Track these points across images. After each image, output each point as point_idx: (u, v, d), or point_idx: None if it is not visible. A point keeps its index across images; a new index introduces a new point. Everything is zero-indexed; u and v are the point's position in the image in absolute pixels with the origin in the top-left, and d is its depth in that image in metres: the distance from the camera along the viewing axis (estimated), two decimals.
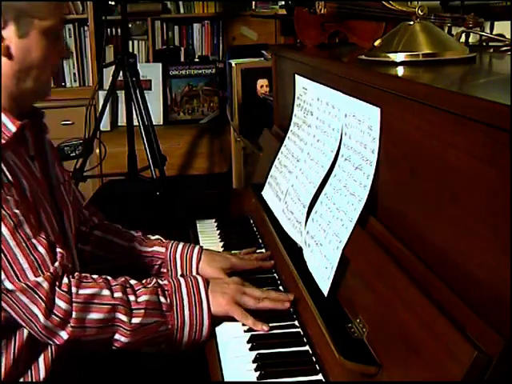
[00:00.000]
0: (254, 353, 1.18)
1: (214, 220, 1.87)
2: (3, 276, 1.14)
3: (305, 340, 1.22)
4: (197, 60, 4.44)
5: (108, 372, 1.47)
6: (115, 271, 1.53)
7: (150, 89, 4.21)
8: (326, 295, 1.16)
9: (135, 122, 3.28)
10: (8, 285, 1.15)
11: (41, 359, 1.27)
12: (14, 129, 1.22)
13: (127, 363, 1.53)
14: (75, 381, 1.38)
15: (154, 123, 3.36)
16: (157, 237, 1.57)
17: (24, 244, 1.17)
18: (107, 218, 1.66)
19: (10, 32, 1.21)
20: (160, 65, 4.27)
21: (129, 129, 3.38)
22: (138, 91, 3.22)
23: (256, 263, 1.54)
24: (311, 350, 1.18)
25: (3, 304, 1.17)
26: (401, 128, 1.08)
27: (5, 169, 1.18)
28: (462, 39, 1.58)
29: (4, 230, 1.15)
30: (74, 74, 4.24)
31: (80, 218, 1.56)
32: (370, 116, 1.16)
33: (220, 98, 4.32)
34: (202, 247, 1.55)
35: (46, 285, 1.16)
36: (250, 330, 1.26)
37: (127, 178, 3.44)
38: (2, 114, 1.22)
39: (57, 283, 1.18)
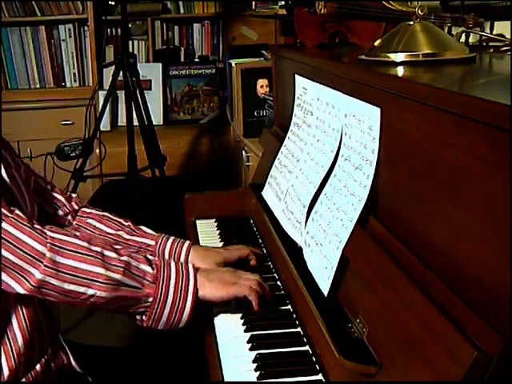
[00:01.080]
0: (254, 353, 1.18)
1: (213, 220, 1.87)
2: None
3: (305, 340, 1.22)
4: (197, 60, 4.44)
5: (108, 372, 1.47)
6: None
7: (150, 89, 4.21)
8: (326, 295, 1.16)
9: (135, 122, 3.28)
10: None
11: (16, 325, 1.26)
12: None
13: (127, 363, 1.53)
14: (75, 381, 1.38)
15: (154, 123, 3.36)
16: (148, 230, 1.57)
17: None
18: None
19: None
20: (160, 65, 4.27)
21: (129, 129, 3.38)
22: (137, 91, 3.22)
23: (246, 250, 1.55)
24: (311, 349, 1.18)
25: None
26: (401, 128, 1.08)
27: None
28: (462, 39, 1.58)
29: None
30: (74, 74, 4.24)
31: (46, 208, 1.54)
32: (370, 116, 1.16)
33: (220, 98, 4.32)
34: (191, 243, 1.55)
35: (10, 228, 1.15)
36: (249, 329, 1.26)
37: (127, 178, 3.44)
38: None
39: (22, 223, 1.17)
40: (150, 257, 1.29)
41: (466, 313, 0.82)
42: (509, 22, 1.58)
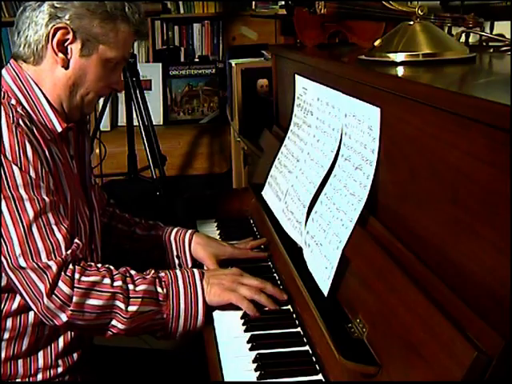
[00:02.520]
0: (254, 353, 1.18)
1: (214, 220, 1.87)
2: (18, 252, 1.21)
3: (305, 340, 1.22)
4: (197, 60, 4.45)
5: (108, 372, 1.47)
6: (119, 255, 1.65)
7: (150, 89, 4.21)
8: (326, 295, 1.16)
9: (135, 122, 3.29)
10: (22, 262, 1.21)
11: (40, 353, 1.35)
12: (59, 129, 1.33)
13: (127, 363, 1.53)
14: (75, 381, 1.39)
15: (154, 123, 3.36)
16: (156, 222, 1.66)
17: (44, 228, 1.23)
18: None
19: (75, 48, 1.31)
20: (160, 65, 4.28)
21: (129, 129, 3.38)
22: (138, 91, 3.22)
23: (250, 253, 1.59)
24: (311, 350, 1.18)
25: (14, 279, 1.23)
26: (401, 128, 1.08)
27: (49, 158, 1.28)
28: (462, 39, 1.58)
29: (30, 212, 1.22)
30: None
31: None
32: (370, 116, 1.16)
33: (220, 98, 4.32)
34: (195, 230, 1.63)
35: (54, 268, 1.21)
36: (249, 329, 1.26)
37: (127, 178, 3.44)
38: (52, 114, 1.32)
39: (64, 269, 1.23)
40: (159, 273, 1.32)
41: (466, 313, 0.82)
42: (509, 22, 1.58)
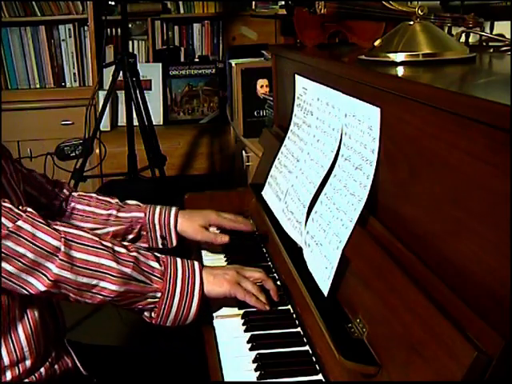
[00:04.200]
0: (254, 353, 1.18)
1: None
2: None
3: (305, 340, 1.22)
4: (197, 60, 4.44)
5: (108, 372, 1.47)
6: None
7: (150, 89, 4.21)
8: (326, 295, 1.16)
9: (135, 122, 3.28)
10: None
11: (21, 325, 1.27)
12: None
13: (127, 363, 1.53)
14: (75, 380, 1.38)
15: (154, 123, 3.36)
16: (134, 202, 1.66)
17: None
18: None
19: None
20: (160, 65, 4.27)
21: (129, 129, 3.38)
22: (138, 91, 3.22)
23: (234, 224, 1.65)
24: (311, 349, 1.18)
25: None
26: (401, 128, 1.08)
27: None
28: (462, 39, 1.58)
29: None
30: (74, 73, 4.24)
31: (40, 199, 1.59)
32: (370, 116, 1.16)
33: (220, 98, 4.32)
34: (178, 209, 1.64)
35: (26, 226, 1.18)
36: (249, 329, 1.26)
37: (127, 178, 3.44)
38: None
39: (37, 220, 1.19)
40: (157, 254, 1.31)
41: (466, 313, 0.82)
42: (509, 21, 1.58)
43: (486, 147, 0.81)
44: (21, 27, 4.15)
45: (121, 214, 1.62)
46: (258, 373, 1.12)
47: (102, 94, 3.76)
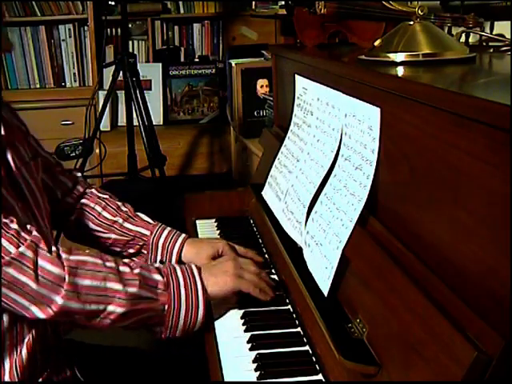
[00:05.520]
0: (254, 353, 1.18)
1: (213, 220, 1.87)
2: None
3: (305, 340, 1.22)
4: (197, 60, 4.44)
5: (108, 372, 1.47)
6: (97, 245, 1.57)
7: (150, 89, 4.21)
8: (326, 295, 1.16)
9: (135, 122, 3.28)
10: None
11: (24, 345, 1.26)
12: None
13: (127, 363, 1.53)
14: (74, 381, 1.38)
15: (154, 123, 3.35)
16: (146, 218, 1.58)
17: (3, 224, 1.16)
18: None
19: None
20: (160, 65, 4.27)
21: (129, 129, 3.38)
22: (138, 91, 3.22)
23: (244, 250, 1.53)
24: (311, 350, 1.18)
25: None
26: (401, 128, 1.08)
27: None
28: (462, 39, 1.58)
29: None
30: (74, 73, 4.24)
31: (57, 193, 1.55)
32: (370, 116, 1.16)
33: (220, 98, 4.32)
34: (187, 237, 1.55)
35: (29, 253, 1.15)
36: (249, 329, 1.26)
37: (127, 178, 3.44)
38: None
39: (41, 248, 1.17)
40: (157, 265, 1.30)
41: (466, 313, 0.82)
42: (509, 21, 1.58)
43: (485, 147, 0.81)
44: (21, 27, 4.15)
45: (126, 225, 1.56)
46: (258, 373, 1.12)
47: (102, 94, 3.76)
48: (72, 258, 1.19)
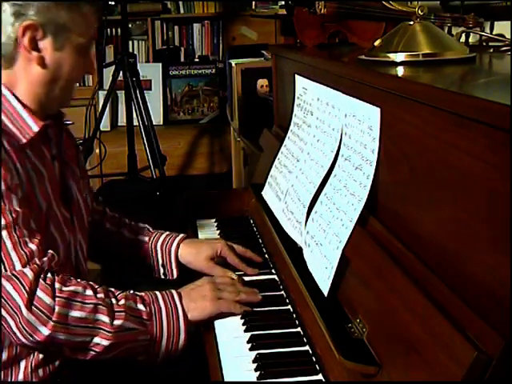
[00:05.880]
0: (254, 353, 1.18)
1: (214, 220, 1.87)
2: None
3: (305, 340, 1.22)
4: (197, 60, 4.45)
5: (107, 372, 1.47)
6: (105, 257, 1.63)
7: (150, 89, 4.21)
8: (326, 295, 1.16)
9: (135, 122, 3.28)
10: None
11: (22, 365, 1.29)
12: (36, 128, 1.27)
13: (124, 362, 1.53)
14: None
15: (154, 123, 3.36)
16: (145, 226, 1.62)
17: (17, 238, 1.18)
18: None
19: (47, 44, 1.26)
20: (160, 65, 4.27)
21: (129, 129, 3.38)
22: (138, 91, 3.22)
23: (243, 249, 1.55)
24: (311, 350, 1.18)
25: None
26: (401, 128, 1.08)
27: (20, 170, 1.23)
28: (462, 39, 1.58)
29: (2, 223, 1.17)
30: None
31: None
32: (370, 116, 1.16)
33: (220, 98, 4.32)
34: (184, 237, 1.57)
35: (30, 275, 1.16)
36: (249, 329, 1.26)
37: (127, 178, 3.44)
38: (26, 114, 1.27)
39: (42, 276, 1.18)
40: (138, 293, 1.30)
41: (466, 313, 0.82)
42: (509, 21, 1.58)
43: (485, 147, 0.81)
44: None
45: (128, 235, 1.61)
46: (258, 373, 1.12)
47: (102, 94, 3.76)
48: (64, 288, 1.19)
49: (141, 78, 3.32)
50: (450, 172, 0.91)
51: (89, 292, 1.22)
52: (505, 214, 0.77)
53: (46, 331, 1.16)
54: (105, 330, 1.20)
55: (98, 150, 3.55)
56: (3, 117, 1.26)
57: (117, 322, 1.21)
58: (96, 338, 1.20)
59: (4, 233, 1.17)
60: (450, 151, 0.91)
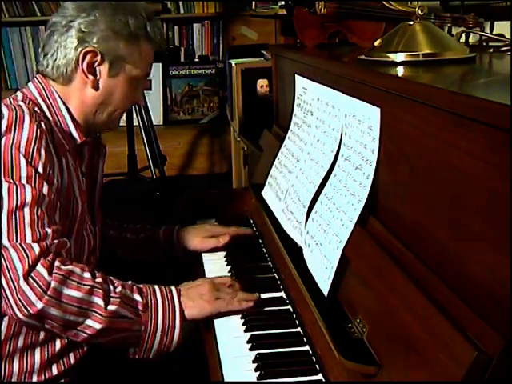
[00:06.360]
0: (254, 353, 1.18)
1: (214, 220, 1.87)
2: (5, 231, 1.19)
3: (305, 340, 1.22)
4: (197, 60, 4.44)
5: (107, 372, 1.47)
6: (111, 263, 1.66)
7: (150, 89, 4.21)
8: (326, 295, 1.16)
9: (135, 122, 3.28)
10: (5, 241, 1.19)
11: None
12: (78, 140, 1.40)
13: (127, 362, 1.53)
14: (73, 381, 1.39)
15: (154, 123, 3.36)
16: (143, 225, 1.72)
17: (36, 218, 1.22)
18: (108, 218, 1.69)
19: (103, 69, 1.39)
20: (160, 65, 4.27)
21: (129, 129, 3.38)
22: None
23: (236, 229, 1.69)
24: (311, 350, 1.18)
25: None
26: (401, 128, 1.08)
27: (64, 166, 1.34)
28: (462, 39, 1.58)
29: (28, 197, 1.22)
30: None
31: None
32: (370, 116, 1.16)
33: (220, 98, 4.32)
34: (179, 226, 1.70)
35: (37, 250, 1.19)
36: (249, 329, 1.26)
37: (127, 178, 3.44)
38: (73, 127, 1.39)
39: (45, 255, 1.21)
40: (137, 285, 1.31)
41: (466, 313, 0.82)
42: (509, 21, 1.58)
43: (485, 147, 0.81)
44: (21, 27, 4.14)
45: (131, 236, 1.68)
46: (258, 373, 1.12)
47: None
48: (63, 267, 1.21)
49: None
50: (449, 172, 0.91)
51: (87, 275, 1.24)
52: (505, 214, 0.77)
53: (39, 304, 1.17)
54: (98, 314, 1.21)
55: None
56: (51, 119, 1.37)
57: (111, 307, 1.22)
58: (89, 320, 1.21)
59: (27, 209, 1.21)
60: (450, 151, 0.91)
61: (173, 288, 1.33)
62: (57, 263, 1.21)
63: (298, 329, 1.26)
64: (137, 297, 1.27)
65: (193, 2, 4.36)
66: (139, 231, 1.70)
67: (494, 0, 1.70)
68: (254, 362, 1.15)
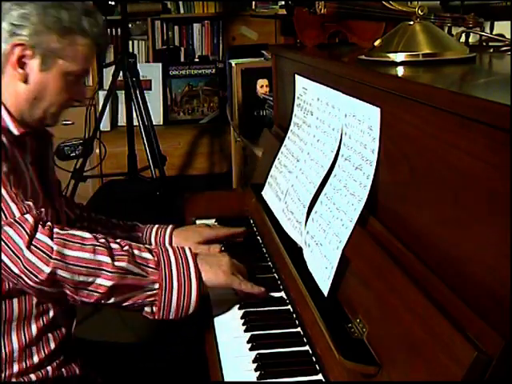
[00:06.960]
0: (254, 353, 1.18)
1: (214, 220, 1.87)
2: None
3: (305, 340, 1.22)
4: (197, 60, 4.45)
5: (107, 372, 1.47)
6: None
7: (150, 89, 4.21)
8: (326, 295, 1.16)
9: (135, 122, 3.28)
10: None
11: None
12: (16, 132, 1.33)
13: (127, 362, 1.53)
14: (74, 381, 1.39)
15: (154, 123, 3.36)
16: (135, 223, 1.69)
17: (14, 195, 1.23)
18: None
19: (34, 64, 1.33)
20: (160, 65, 4.28)
21: (129, 129, 3.38)
22: (137, 91, 3.22)
23: (227, 230, 1.67)
24: (311, 350, 1.18)
25: None
26: (401, 128, 1.08)
27: (9, 154, 1.29)
28: (462, 39, 1.58)
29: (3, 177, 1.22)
30: None
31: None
32: (370, 116, 1.16)
33: (220, 98, 4.32)
34: (174, 227, 1.65)
35: (31, 220, 1.20)
36: (249, 329, 1.26)
37: (127, 178, 3.44)
38: (8, 119, 1.33)
39: (41, 223, 1.22)
40: (148, 246, 1.32)
41: (466, 313, 0.82)
42: (509, 21, 1.58)
43: (485, 147, 0.81)
44: None
45: (121, 234, 1.63)
46: (258, 373, 1.12)
47: (102, 94, 3.76)
48: (63, 232, 1.23)
49: (141, 78, 3.32)
50: (450, 172, 0.91)
51: (88, 235, 1.25)
52: (505, 214, 0.77)
53: (47, 269, 1.18)
54: (106, 271, 1.21)
55: (98, 150, 3.55)
56: None
57: (118, 264, 1.22)
58: (98, 278, 1.21)
59: (2, 188, 1.21)
60: (450, 151, 0.91)
61: (186, 248, 1.33)
62: (55, 229, 1.22)
63: (298, 329, 1.26)
64: (146, 255, 1.27)
65: (193, 2, 4.36)
66: (129, 229, 1.66)
67: (493, 0, 1.70)
68: (254, 361, 1.15)
